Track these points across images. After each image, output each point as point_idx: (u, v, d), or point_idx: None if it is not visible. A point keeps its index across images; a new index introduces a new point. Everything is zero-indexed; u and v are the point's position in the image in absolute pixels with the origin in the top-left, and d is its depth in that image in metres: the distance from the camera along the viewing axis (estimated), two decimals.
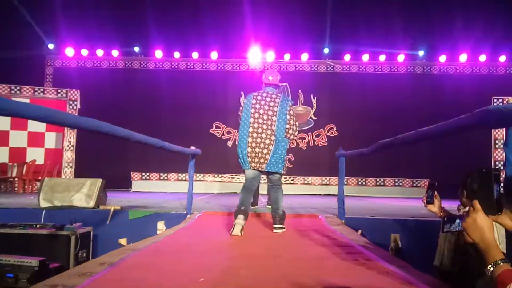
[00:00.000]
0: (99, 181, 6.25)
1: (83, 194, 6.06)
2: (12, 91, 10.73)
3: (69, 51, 12.72)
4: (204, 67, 13.23)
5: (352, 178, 12.35)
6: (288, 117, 4.72)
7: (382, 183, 12.65)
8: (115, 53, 12.81)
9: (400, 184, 12.50)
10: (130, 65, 13.21)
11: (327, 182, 12.49)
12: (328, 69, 13.17)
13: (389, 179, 12.60)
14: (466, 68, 12.85)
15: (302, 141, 12.81)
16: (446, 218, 1.71)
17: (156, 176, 12.85)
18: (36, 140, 10.99)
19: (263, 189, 7.18)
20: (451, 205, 3.49)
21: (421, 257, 3.96)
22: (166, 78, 12.87)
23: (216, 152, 12.34)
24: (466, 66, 12.82)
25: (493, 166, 10.04)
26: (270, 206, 7.17)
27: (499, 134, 10.52)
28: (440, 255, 3.01)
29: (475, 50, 12.36)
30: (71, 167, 10.95)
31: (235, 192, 12.39)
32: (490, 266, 1.45)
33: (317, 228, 5.01)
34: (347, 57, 12.86)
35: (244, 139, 4.74)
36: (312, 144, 12.61)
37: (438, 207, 2.99)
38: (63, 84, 11.72)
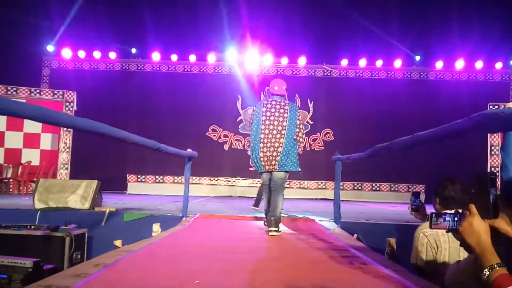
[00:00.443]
0: (94, 183, 6.23)
1: (78, 195, 6.04)
2: (9, 92, 10.70)
3: (66, 53, 12.71)
4: (201, 70, 13.24)
5: (348, 183, 12.38)
6: (298, 122, 5.12)
7: (378, 188, 12.68)
8: (112, 55, 12.82)
9: (396, 189, 12.53)
10: (127, 67, 13.21)
11: (323, 187, 12.51)
12: (325, 74, 13.20)
13: (385, 184, 12.62)
14: (462, 75, 12.91)
15: (298, 146, 12.79)
16: (434, 214, 1.71)
17: (152, 179, 12.83)
18: (31, 141, 10.95)
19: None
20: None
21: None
22: (163, 81, 12.88)
23: (212, 156, 12.34)
24: (463, 72, 12.88)
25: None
26: (257, 208, 7.27)
27: (494, 140, 10.57)
28: (415, 252, 3.02)
29: (471, 56, 12.44)
30: (66, 168, 10.91)
31: (231, 196, 12.41)
32: (486, 270, 1.45)
33: (313, 232, 5.00)
34: (344, 62, 12.90)
35: (256, 145, 5.02)
36: (308, 148, 12.62)
37: (423, 214, 3.17)
38: (60, 86, 11.70)
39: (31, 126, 10.73)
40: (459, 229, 1.59)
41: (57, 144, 11.04)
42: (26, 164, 10.34)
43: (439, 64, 12.76)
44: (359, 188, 12.67)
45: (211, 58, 12.91)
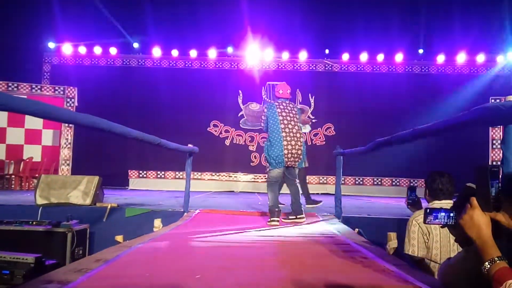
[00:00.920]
0: (96, 179, 6.23)
1: (79, 191, 6.05)
2: (9, 88, 10.71)
3: (67, 49, 12.70)
4: (202, 66, 13.21)
5: (350, 177, 12.37)
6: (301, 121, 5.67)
7: (379, 183, 12.67)
8: (113, 50, 12.79)
9: (398, 183, 12.52)
10: (128, 63, 13.19)
11: (325, 181, 12.50)
12: (326, 68, 13.17)
13: (387, 178, 12.62)
14: (464, 68, 12.86)
15: None
16: (428, 209, 1.71)
17: (154, 174, 12.84)
18: (33, 137, 10.96)
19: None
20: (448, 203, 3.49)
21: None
22: (164, 76, 12.85)
23: (213, 151, 12.33)
24: (464, 66, 12.83)
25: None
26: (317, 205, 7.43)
27: (496, 134, 10.55)
28: (415, 241, 3.21)
29: (473, 50, 12.38)
30: (68, 164, 10.93)
31: (233, 191, 12.42)
32: (486, 263, 1.45)
33: (314, 227, 5.01)
34: (345, 57, 12.86)
35: (279, 143, 5.26)
36: (309, 143, 12.61)
37: (418, 207, 3.45)
38: (61, 82, 11.71)
39: (33, 122, 10.74)
40: (460, 222, 1.58)
41: (58, 140, 11.05)
42: (27, 160, 10.36)
43: (440, 58, 12.71)
44: (361, 182, 12.67)
45: (212, 53, 12.88)
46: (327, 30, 12.29)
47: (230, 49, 12.80)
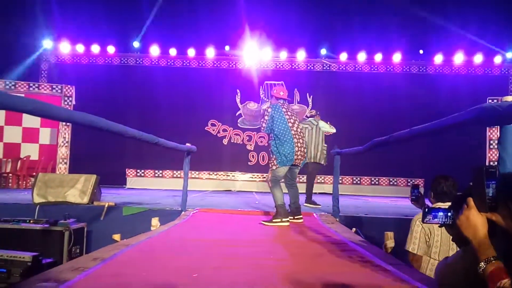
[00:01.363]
0: (93, 177, 6.22)
1: (77, 190, 6.03)
2: (7, 87, 10.68)
3: (65, 47, 12.66)
4: (200, 65, 13.21)
5: (347, 177, 12.38)
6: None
7: (377, 182, 12.69)
8: (110, 49, 12.76)
9: (395, 183, 12.54)
10: (125, 62, 13.17)
11: (322, 181, 12.49)
12: (324, 68, 13.18)
13: (384, 178, 12.64)
14: (461, 68, 12.89)
15: None
16: (426, 209, 1.72)
17: (151, 173, 12.83)
18: (30, 135, 10.93)
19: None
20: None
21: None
22: (162, 75, 12.84)
23: (211, 150, 12.33)
24: (462, 66, 12.86)
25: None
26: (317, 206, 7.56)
27: (493, 134, 10.57)
28: (417, 239, 3.39)
29: (470, 50, 12.41)
30: (65, 163, 10.92)
31: (230, 190, 12.42)
32: (482, 263, 1.46)
33: (312, 226, 5.01)
34: (343, 56, 12.87)
35: (290, 141, 5.32)
36: None
37: (421, 204, 3.68)
38: (58, 80, 11.69)
39: (30, 121, 10.71)
40: (456, 222, 1.59)
41: (56, 138, 11.03)
42: (25, 158, 10.34)
43: (438, 58, 12.73)
44: (358, 182, 12.69)
45: (210, 52, 12.87)
46: (325, 29, 12.31)
47: (227, 48, 12.80)
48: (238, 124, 13.00)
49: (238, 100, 12.96)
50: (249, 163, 12.88)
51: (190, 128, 12.28)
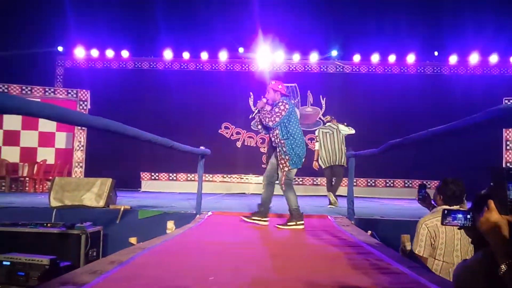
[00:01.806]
0: (109, 181, 6.26)
1: (93, 193, 6.08)
2: (23, 91, 10.83)
3: (80, 52, 12.81)
4: (213, 68, 13.25)
5: (362, 179, 12.31)
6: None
7: (391, 184, 12.59)
8: (125, 53, 12.88)
9: (410, 185, 12.42)
10: (139, 66, 13.27)
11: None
12: (337, 70, 13.14)
13: (399, 180, 12.53)
14: (476, 69, 12.74)
15: (311, 142, 12.79)
16: (446, 211, 1.70)
17: (165, 176, 12.89)
18: (46, 140, 11.06)
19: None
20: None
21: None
22: (175, 79, 12.90)
23: (225, 153, 12.34)
24: (477, 66, 12.71)
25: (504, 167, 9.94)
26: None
27: (510, 135, 10.44)
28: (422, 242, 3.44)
29: (485, 50, 12.26)
30: (81, 167, 11.03)
31: (244, 193, 12.42)
32: (503, 266, 1.44)
33: (327, 229, 4.99)
34: (356, 58, 12.83)
35: (303, 142, 5.25)
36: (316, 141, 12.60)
37: (428, 203, 3.85)
38: (74, 85, 11.80)
39: (46, 125, 10.84)
40: (476, 225, 1.57)
41: (71, 142, 11.15)
42: (41, 162, 10.45)
43: (453, 59, 12.60)
44: (373, 184, 12.60)
45: (223, 55, 12.92)
46: (338, 31, 12.25)
47: (241, 50, 12.83)
48: (252, 127, 13.01)
49: (251, 102, 12.97)
50: (262, 165, 12.81)
51: (204, 131, 12.31)
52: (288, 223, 5.02)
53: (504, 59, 12.45)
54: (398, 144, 3.75)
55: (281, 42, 12.36)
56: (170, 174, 12.88)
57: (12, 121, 10.71)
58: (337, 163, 8.12)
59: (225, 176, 12.78)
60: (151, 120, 11.83)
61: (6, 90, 10.63)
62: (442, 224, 1.72)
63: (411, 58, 12.66)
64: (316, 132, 8.70)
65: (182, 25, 12.21)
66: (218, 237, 4.29)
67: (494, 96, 10.48)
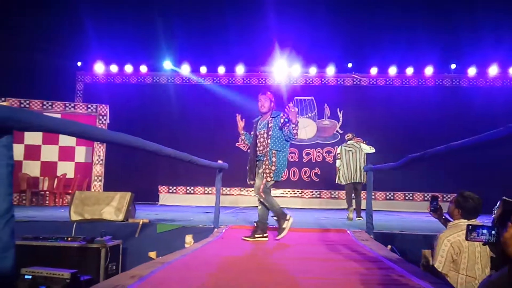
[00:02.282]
0: (128, 195, 6.31)
1: (112, 207, 6.13)
2: (44, 107, 11.04)
3: (99, 67, 13.05)
4: (230, 82, 13.35)
5: (380, 192, 12.20)
6: None
7: (411, 198, 12.45)
8: (143, 68, 13.07)
9: (430, 198, 12.25)
10: (157, 80, 13.44)
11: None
12: (354, 83, 13.12)
13: (418, 193, 12.39)
14: (496, 81, 12.61)
15: (329, 155, 12.76)
16: (471, 226, 1.69)
17: (183, 190, 12.95)
18: (66, 154, 11.22)
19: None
20: (482, 220, 3.47)
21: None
22: (192, 93, 13.03)
23: (242, 166, 12.26)
24: (497, 78, 12.58)
25: None
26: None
27: None
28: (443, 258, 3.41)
29: (505, 62, 12.15)
30: (100, 180, 11.15)
31: None
32: None
33: (345, 243, 4.95)
34: (373, 71, 12.81)
35: (287, 154, 5.47)
36: (338, 158, 12.52)
37: (439, 215, 3.93)
38: (93, 99, 11.99)
39: (66, 140, 11.01)
40: (501, 240, 1.56)
41: (91, 156, 11.30)
42: (61, 176, 10.60)
43: (471, 71, 12.51)
44: (391, 197, 12.48)
45: (240, 69, 13.02)
46: (355, 44, 12.26)
47: (261, 66, 12.93)
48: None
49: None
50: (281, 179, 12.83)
51: (221, 144, 12.37)
52: (283, 226, 5.07)
53: None
54: (418, 158, 3.72)
55: (298, 55, 12.42)
56: (188, 188, 12.94)
57: (33, 136, 10.88)
58: (357, 181, 8.31)
59: (242, 189, 12.78)
60: (168, 134, 11.94)
61: (27, 106, 10.85)
62: (466, 239, 1.71)
63: (429, 71, 12.60)
64: (338, 149, 8.83)
65: (199, 39, 12.35)
66: (236, 252, 4.29)
67: None
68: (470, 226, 1.68)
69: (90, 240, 4.92)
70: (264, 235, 5.11)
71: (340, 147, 8.84)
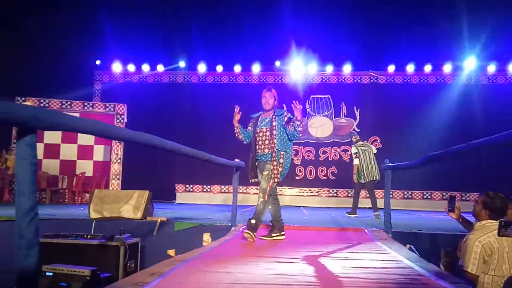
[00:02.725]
0: (146, 193, 6.36)
1: (131, 205, 6.19)
2: (63, 106, 11.18)
3: (117, 67, 13.18)
4: (246, 80, 13.36)
5: (398, 191, 12.11)
6: None
7: (429, 197, 12.32)
8: (160, 67, 13.17)
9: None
10: (174, 79, 13.52)
11: (369, 195, 12.26)
12: (372, 81, 13.03)
13: (437, 192, 12.25)
14: None
15: (346, 154, 12.69)
16: (503, 222, 1.68)
17: (200, 188, 13.01)
18: (85, 153, 11.36)
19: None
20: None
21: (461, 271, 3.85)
22: (209, 92, 13.08)
23: None
24: None
25: None
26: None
27: None
28: (476, 260, 3.38)
29: None
30: (118, 179, 11.26)
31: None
32: None
33: (363, 242, 4.93)
34: (391, 68, 12.70)
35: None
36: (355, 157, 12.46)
37: (458, 215, 3.97)
38: (111, 99, 12.12)
39: (85, 139, 11.16)
40: None
41: (109, 155, 11.42)
42: (80, 175, 10.73)
43: (491, 68, 12.32)
44: (409, 196, 12.36)
45: (256, 67, 13.03)
46: (372, 42, 12.18)
47: (278, 63, 12.93)
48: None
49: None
50: (296, 177, 12.84)
51: (237, 143, 12.31)
52: (273, 234, 5.05)
53: None
54: (437, 157, 3.68)
55: (315, 53, 12.37)
56: (204, 186, 12.99)
57: (53, 135, 11.02)
58: (374, 179, 8.65)
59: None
60: (185, 133, 12.02)
61: (47, 105, 11.00)
62: (499, 235, 1.72)
63: (447, 68, 12.45)
64: (354, 149, 8.91)
65: (216, 38, 12.40)
66: (254, 251, 4.29)
67: None
68: (503, 222, 1.68)
69: (109, 238, 4.97)
70: (281, 233, 5.11)
71: (354, 147, 8.94)
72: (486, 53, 12.05)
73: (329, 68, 12.93)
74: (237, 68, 13.13)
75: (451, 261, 4.09)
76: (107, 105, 11.63)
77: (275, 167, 5.00)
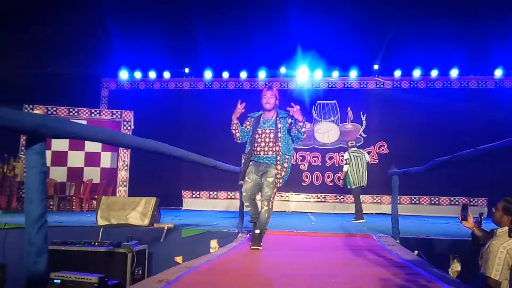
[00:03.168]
0: (153, 200, 6.38)
1: (138, 212, 6.20)
2: (70, 113, 11.26)
3: (124, 74, 13.26)
4: (252, 86, 13.38)
5: (405, 196, 12.04)
6: None
7: (437, 202, 12.25)
8: (166, 74, 13.24)
9: (456, 203, 12.03)
10: (181, 86, 13.57)
11: (379, 201, 12.24)
12: (378, 86, 13.00)
13: (444, 197, 12.18)
14: None
15: None
16: None
17: (206, 195, 13.01)
18: (92, 160, 11.42)
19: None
20: None
21: (482, 279, 3.81)
22: (215, 98, 13.10)
23: None
24: None
25: None
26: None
27: None
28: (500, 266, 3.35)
29: None
30: (125, 185, 11.30)
31: (284, 211, 12.38)
32: None
33: (371, 248, 4.89)
34: (397, 73, 12.68)
35: None
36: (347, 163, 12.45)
37: (471, 223, 3.82)
38: (118, 106, 12.18)
39: (92, 146, 11.22)
40: None
41: (116, 162, 11.47)
42: (87, 182, 10.77)
43: (498, 72, 12.26)
44: (417, 202, 12.29)
45: (262, 74, 13.06)
46: (378, 47, 12.16)
47: (283, 70, 12.96)
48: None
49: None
50: (303, 183, 12.81)
51: (243, 149, 12.36)
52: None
53: None
54: (445, 162, 3.67)
55: (321, 59, 12.38)
56: (211, 192, 13.00)
57: (60, 142, 11.09)
58: (362, 184, 8.89)
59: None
60: (191, 139, 12.03)
61: (54, 113, 11.08)
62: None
63: (454, 73, 12.41)
64: (347, 155, 9.14)
65: (222, 44, 12.43)
66: (261, 257, 4.29)
67: None
68: None
69: (117, 245, 4.98)
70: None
71: (347, 153, 9.18)
72: (493, 57, 11.99)
73: (335, 74, 12.93)
74: (243, 75, 13.16)
75: (459, 267, 4.07)
76: (114, 112, 11.70)
77: (279, 172, 4.78)
